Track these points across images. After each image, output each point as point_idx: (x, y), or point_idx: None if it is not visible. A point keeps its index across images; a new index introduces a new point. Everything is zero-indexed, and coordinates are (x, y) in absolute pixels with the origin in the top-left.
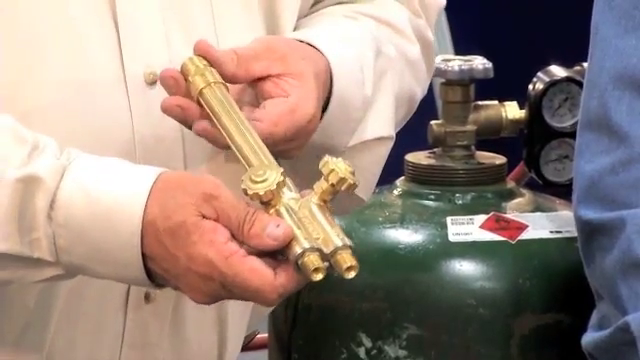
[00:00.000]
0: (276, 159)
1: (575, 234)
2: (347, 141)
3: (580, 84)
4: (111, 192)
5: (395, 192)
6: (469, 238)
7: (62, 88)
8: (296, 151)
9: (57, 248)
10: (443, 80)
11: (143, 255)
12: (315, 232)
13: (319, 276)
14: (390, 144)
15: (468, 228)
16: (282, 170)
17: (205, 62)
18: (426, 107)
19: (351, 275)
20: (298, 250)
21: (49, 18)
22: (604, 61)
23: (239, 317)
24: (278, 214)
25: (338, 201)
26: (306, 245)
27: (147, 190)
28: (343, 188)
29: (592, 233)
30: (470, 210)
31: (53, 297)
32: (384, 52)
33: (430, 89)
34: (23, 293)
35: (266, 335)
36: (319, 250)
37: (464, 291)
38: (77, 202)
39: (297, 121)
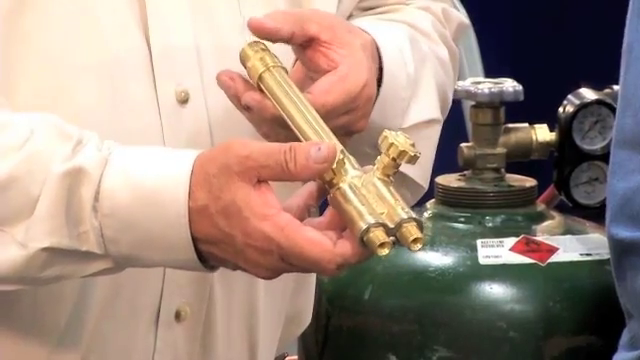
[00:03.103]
0: (345, 139)
1: (605, 256)
2: (400, 123)
3: (610, 107)
4: (153, 175)
5: (425, 215)
6: (499, 261)
7: (94, 108)
8: (362, 122)
9: (105, 240)
10: (473, 103)
11: (197, 240)
12: (379, 207)
13: (385, 251)
14: (439, 128)
15: (498, 251)
16: (342, 148)
17: (263, 46)
18: (456, 129)
19: (417, 247)
20: (363, 226)
21: (81, 38)
22: (639, 79)
23: (269, 338)
24: (341, 192)
25: (399, 193)
26: (370, 220)
27: (189, 169)
28: (404, 161)
29: (624, 252)
30: (500, 233)
31: (84, 316)
32: (418, 44)
33: (460, 111)
34: (55, 312)
35: (296, 357)
36: (384, 225)
37: (494, 314)
38: (121, 190)
39: (350, 88)
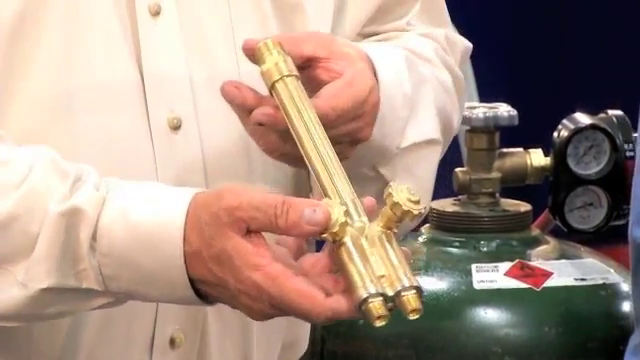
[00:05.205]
0: (349, 150)
1: (600, 281)
2: (399, 142)
3: (605, 131)
4: (150, 217)
5: (420, 239)
6: (494, 285)
7: (87, 135)
8: (368, 130)
9: (104, 278)
10: (468, 127)
11: (194, 280)
12: (380, 269)
13: (382, 322)
14: (440, 149)
15: (493, 275)
16: (345, 208)
17: (279, 49)
18: (451, 154)
19: (415, 317)
20: (362, 295)
21: (74, 67)
22: None
23: None
24: (345, 248)
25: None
26: (371, 290)
27: (184, 212)
28: (408, 219)
29: None
30: (495, 257)
31: (79, 344)
32: (417, 67)
33: (455, 136)
34: (50, 340)
35: None
36: (383, 295)
37: (489, 339)
38: (118, 230)
39: (357, 93)
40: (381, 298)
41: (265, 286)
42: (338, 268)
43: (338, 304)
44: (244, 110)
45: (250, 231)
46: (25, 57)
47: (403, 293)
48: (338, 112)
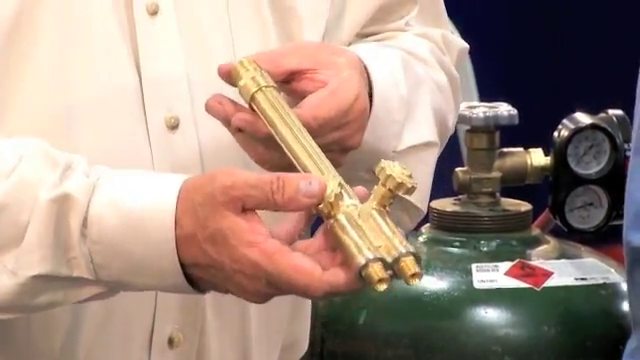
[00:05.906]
0: (341, 157)
1: (600, 281)
2: (395, 145)
3: (605, 131)
4: (140, 202)
5: (420, 239)
6: (494, 285)
7: (84, 134)
8: (357, 137)
9: (95, 265)
10: (468, 127)
11: (186, 265)
12: (377, 240)
13: (383, 286)
14: (436, 150)
15: (493, 275)
16: (339, 181)
17: (255, 65)
18: (451, 154)
19: (416, 282)
20: (361, 261)
21: (72, 66)
22: None
23: None
24: (339, 224)
25: (398, 217)
26: (369, 255)
27: (175, 196)
28: (401, 192)
29: (638, 260)
30: (495, 257)
31: (77, 343)
32: (413, 68)
33: (455, 136)
34: (49, 338)
35: None
36: (382, 260)
37: (489, 338)
38: (108, 217)
39: (341, 101)
40: (380, 262)
41: (262, 263)
42: (334, 243)
43: (336, 277)
44: (228, 124)
45: (245, 210)
46: (22, 56)
47: (402, 259)
48: (319, 121)
